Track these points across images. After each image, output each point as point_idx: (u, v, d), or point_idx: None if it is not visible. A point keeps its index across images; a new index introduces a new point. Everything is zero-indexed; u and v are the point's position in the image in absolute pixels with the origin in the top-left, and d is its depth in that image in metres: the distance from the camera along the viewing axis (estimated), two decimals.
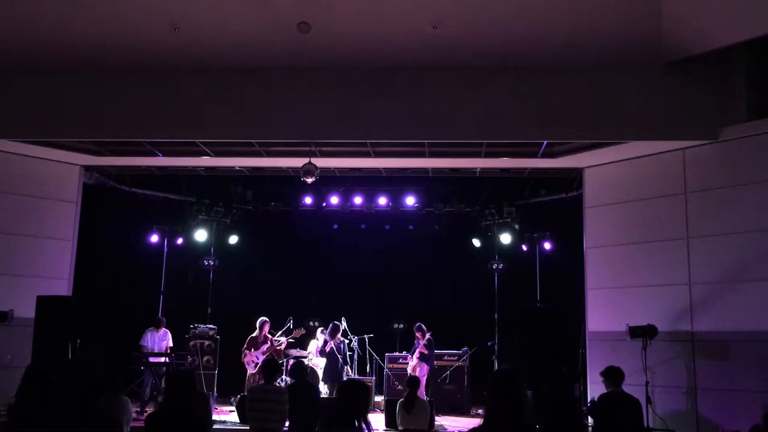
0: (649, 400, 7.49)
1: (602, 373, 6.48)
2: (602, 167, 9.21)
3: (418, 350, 10.24)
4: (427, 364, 10.22)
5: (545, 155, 9.05)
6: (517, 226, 11.40)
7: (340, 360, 10.20)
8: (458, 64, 8.01)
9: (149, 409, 9.04)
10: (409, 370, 10.24)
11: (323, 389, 10.21)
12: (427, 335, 10.25)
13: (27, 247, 9.21)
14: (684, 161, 8.34)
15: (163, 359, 9.75)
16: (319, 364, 10.49)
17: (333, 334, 10.30)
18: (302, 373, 6.81)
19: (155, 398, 9.42)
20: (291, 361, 10.42)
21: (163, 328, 10.29)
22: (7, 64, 8.19)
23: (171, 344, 10.27)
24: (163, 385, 9.08)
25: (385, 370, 10.91)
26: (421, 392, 9.11)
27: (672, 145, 8.34)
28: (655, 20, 7.36)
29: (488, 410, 2.98)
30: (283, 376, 10.21)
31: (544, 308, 10.17)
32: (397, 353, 11.10)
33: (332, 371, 10.14)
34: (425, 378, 10.08)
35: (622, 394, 6.33)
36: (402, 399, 7.06)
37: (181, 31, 7.77)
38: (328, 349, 10.29)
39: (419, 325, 10.43)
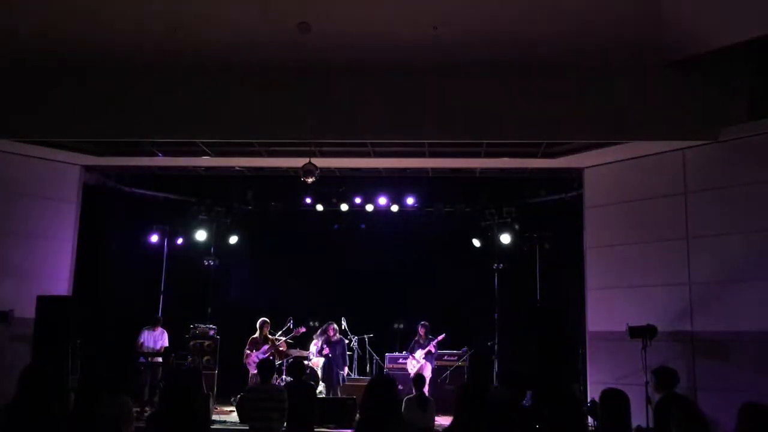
0: (649, 401, 7.46)
1: (655, 372, 5.99)
2: (602, 167, 9.21)
3: (427, 348, 10.25)
4: (432, 364, 10.26)
5: (545, 155, 9.05)
6: (517, 226, 11.39)
7: (334, 363, 10.22)
8: (458, 64, 8.00)
9: (149, 409, 9.05)
10: (413, 369, 10.21)
11: (321, 388, 10.24)
12: (442, 335, 10.30)
13: (27, 247, 9.20)
14: (684, 161, 8.34)
15: (161, 359, 9.75)
16: (319, 363, 10.51)
17: (324, 334, 10.40)
18: (300, 372, 6.81)
19: (153, 398, 9.43)
20: (290, 361, 10.46)
21: (160, 328, 10.30)
22: (6, 64, 8.19)
23: (167, 344, 10.28)
24: (161, 384, 9.09)
25: (385, 370, 10.91)
26: (426, 391, 9.15)
27: (672, 145, 8.34)
28: (655, 20, 7.35)
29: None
30: (283, 376, 10.23)
31: (548, 308, 10.17)
32: (397, 353, 11.10)
33: (328, 371, 10.19)
34: (429, 378, 10.11)
35: (687, 398, 5.89)
36: (411, 396, 7.06)
37: (181, 31, 7.76)
38: (325, 352, 10.33)
39: (425, 323, 10.46)
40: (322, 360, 10.44)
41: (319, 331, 10.75)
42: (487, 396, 3.22)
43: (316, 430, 7.07)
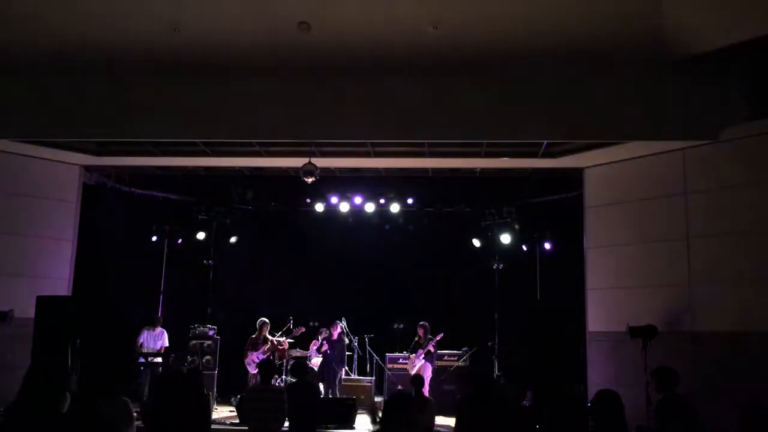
0: (649, 400, 7.48)
1: (654, 373, 5.96)
2: (602, 167, 9.22)
3: (426, 348, 10.24)
4: (432, 364, 10.26)
5: (545, 155, 9.05)
6: (517, 226, 11.39)
7: (333, 362, 10.24)
8: (458, 64, 8.00)
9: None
10: (414, 369, 10.21)
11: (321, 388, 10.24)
12: (440, 335, 10.30)
13: (27, 247, 9.21)
14: (684, 161, 8.34)
15: (160, 359, 9.75)
16: (318, 362, 10.51)
17: (328, 332, 10.40)
18: (302, 372, 6.81)
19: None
20: (292, 362, 10.45)
21: (159, 327, 10.30)
22: (6, 63, 8.19)
23: (167, 344, 10.28)
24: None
25: (386, 370, 10.91)
26: (426, 391, 9.14)
27: (672, 145, 8.34)
28: (655, 20, 7.35)
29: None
30: (283, 376, 10.24)
31: (546, 308, 10.17)
32: (397, 353, 11.09)
33: (327, 371, 10.18)
34: (429, 378, 10.10)
35: (687, 399, 5.67)
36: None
37: (181, 31, 7.76)
38: (323, 349, 10.33)
39: (425, 324, 10.45)
40: (321, 359, 10.45)
41: (324, 329, 10.74)
42: (492, 396, 3.25)
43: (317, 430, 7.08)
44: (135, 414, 5.58)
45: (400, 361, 10.85)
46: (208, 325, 10.86)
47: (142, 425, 3.83)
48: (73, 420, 3.75)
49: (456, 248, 12.24)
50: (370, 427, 3.17)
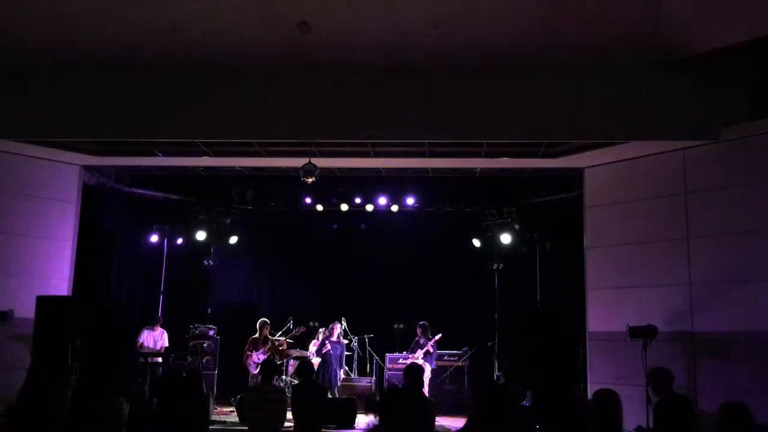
0: (649, 401, 7.47)
1: (649, 376, 6.00)
2: (602, 167, 9.22)
3: (425, 348, 10.23)
4: (431, 364, 10.25)
5: (545, 155, 9.05)
6: (517, 226, 11.39)
7: (334, 363, 10.21)
8: (458, 63, 8.00)
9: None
10: None
11: None
12: (438, 335, 10.29)
13: (27, 247, 9.20)
14: (684, 161, 8.34)
15: (161, 359, 9.75)
16: (317, 363, 10.50)
17: (328, 332, 10.37)
18: (309, 372, 6.79)
19: (153, 398, 9.42)
20: (291, 362, 10.45)
21: (160, 328, 10.30)
22: (6, 63, 8.19)
23: (167, 344, 10.27)
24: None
25: (386, 370, 10.91)
26: (426, 391, 9.13)
27: (672, 145, 8.34)
28: (655, 20, 7.35)
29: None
30: (283, 376, 10.23)
31: (546, 308, 10.17)
32: (397, 353, 11.09)
33: (325, 372, 10.16)
34: (429, 378, 10.10)
35: (686, 399, 5.83)
36: None
37: (181, 31, 7.76)
38: (324, 350, 10.31)
39: (423, 323, 10.45)
40: (320, 360, 10.44)
41: (323, 329, 10.74)
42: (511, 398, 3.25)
43: None
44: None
45: (400, 361, 10.85)
46: (208, 325, 10.87)
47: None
48: (73, 420, 3.75)
49: (456, 248, 12.24)
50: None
